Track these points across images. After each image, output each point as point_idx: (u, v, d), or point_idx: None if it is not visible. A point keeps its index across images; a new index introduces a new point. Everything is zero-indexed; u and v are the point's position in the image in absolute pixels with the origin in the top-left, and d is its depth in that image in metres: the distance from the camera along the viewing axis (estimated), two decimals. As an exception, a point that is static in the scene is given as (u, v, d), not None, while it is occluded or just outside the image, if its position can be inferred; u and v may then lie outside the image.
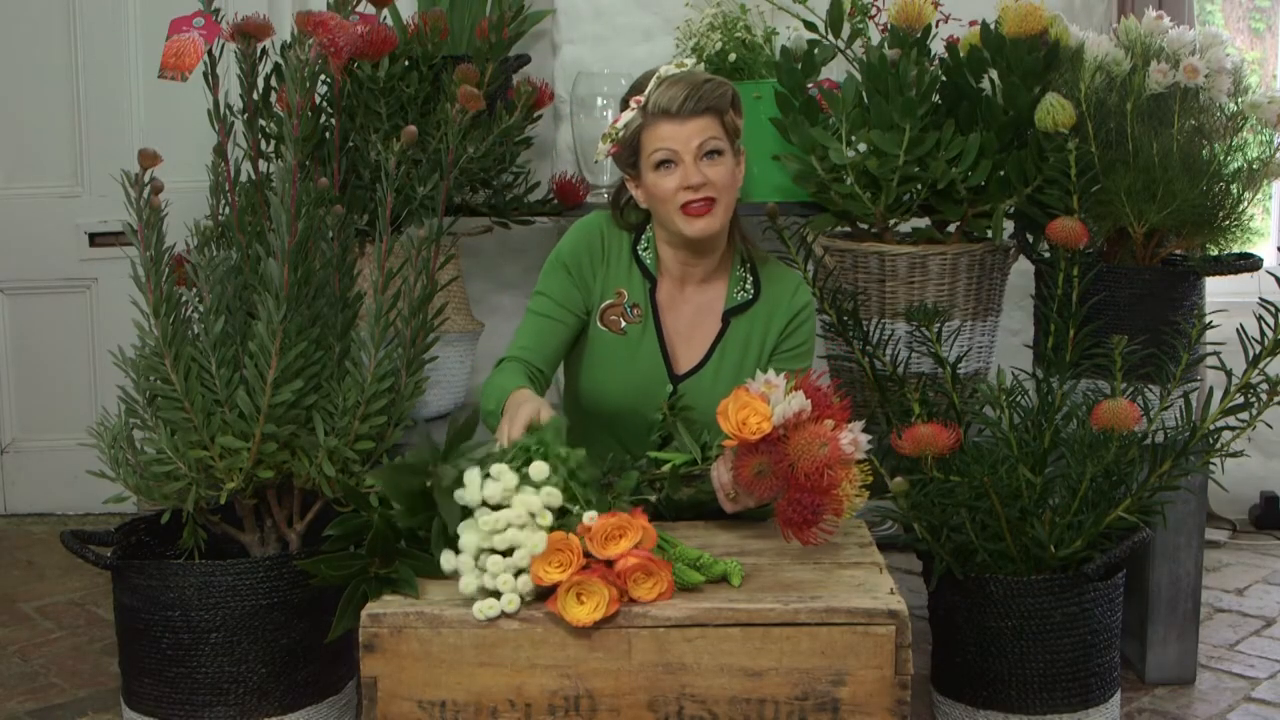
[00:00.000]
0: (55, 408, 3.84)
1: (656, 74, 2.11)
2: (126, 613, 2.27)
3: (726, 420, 1.80)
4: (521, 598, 1.65)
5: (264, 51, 2.51)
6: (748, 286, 2.22)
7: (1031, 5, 2.54)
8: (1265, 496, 3.73)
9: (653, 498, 1.96)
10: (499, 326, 3.31)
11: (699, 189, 2.06)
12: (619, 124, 2.10)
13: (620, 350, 2.18)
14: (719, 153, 2.07)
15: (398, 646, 1.64)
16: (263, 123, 2.70)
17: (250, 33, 2.41)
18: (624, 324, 2.19)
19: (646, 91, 2.09)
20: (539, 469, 1.71)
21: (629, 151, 2.12)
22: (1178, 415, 2.30)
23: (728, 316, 2.21)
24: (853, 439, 1.79)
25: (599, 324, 2.20)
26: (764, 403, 1.79)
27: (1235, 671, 2.73)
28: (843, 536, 1.96)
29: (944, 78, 2.64)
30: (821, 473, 1.75)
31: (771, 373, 1.84)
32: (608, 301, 2.21)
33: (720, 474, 1.91)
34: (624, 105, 2.13)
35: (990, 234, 2.65)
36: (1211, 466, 2.32)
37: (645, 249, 2.21)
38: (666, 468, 1.97)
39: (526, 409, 1.88)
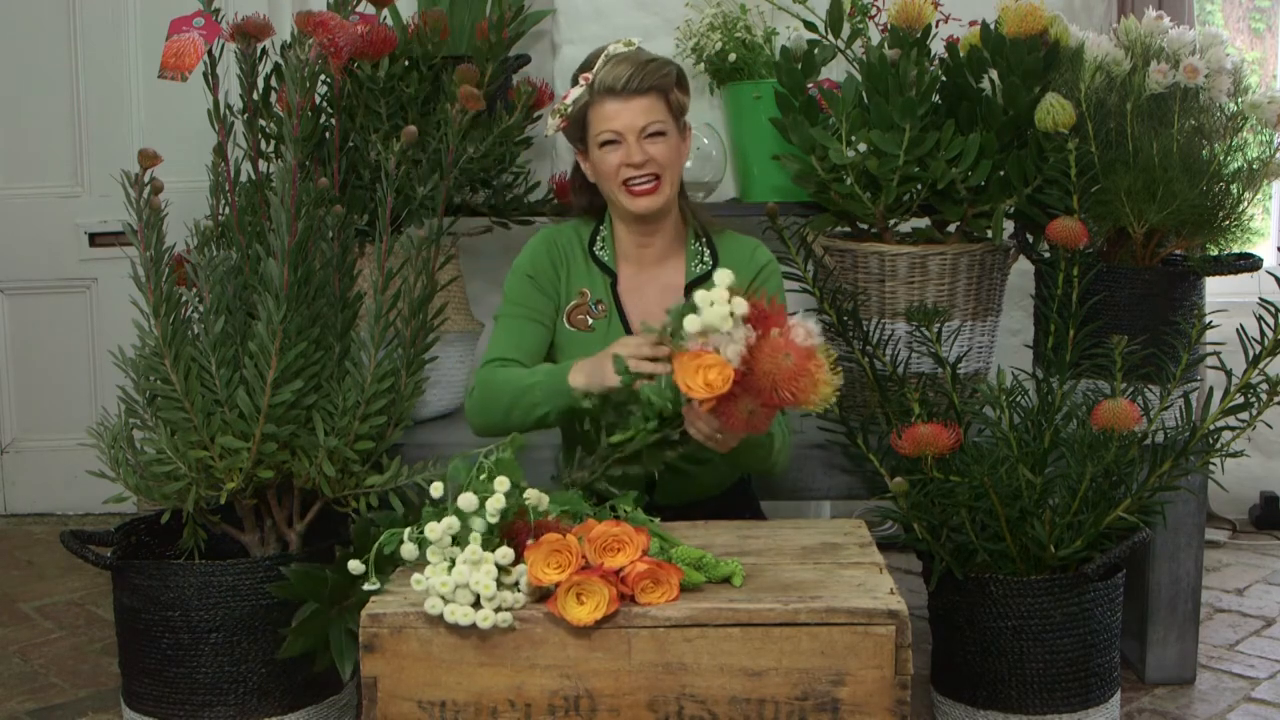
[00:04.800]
0: (55, 408, 3.84)
1: (604, 52, 2.15)
2: (126, 613, 2.27)
3: (691, 388, 1.77)
4: (504, 599, 1.64)
5: (264, 51, 2.51)
6: (705, 258, 2.26)
7: (1031, 5, 2.54)
8: (1265, 496, 3.73)
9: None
10: (499, 326, 3.31)
11: (641, 166, 2.12)
12: (568, 100, 2.16)
13: (591, 346, 2.20)
14: (662, 133, 2.13)
15: (398, 646, 1.64)
16: (263, 123, 2.70)
17: (250, 33, 2.41)
18: (590, 320, 2.23)
19: (594, 69, 2.13)
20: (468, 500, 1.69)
21: (577, 127, 2.18)
22: (1178, 415, 2.30)
23: (688, 289, 2.23)
24: (804, 331, 1.77)
25: (567, 325, 2.25)
26: (713, 353, 1.76)
27: (1235, 671, 2.73)
28: (843, 536, 1.96)
29: (944, 78, 2.64)
30: (798, 378, 1.74)
31: (690, 323, 1.78)
32: (573, 302, 2.25)
33: (700, 427, 1.87)
34: (574, 82, 2.18)
35: (990, 234, 2.64)
36: (1211, 466, 2.32)
37: (601, 247, 2.25)
38: (634, 441, 1.93)
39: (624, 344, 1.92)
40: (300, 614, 1.98)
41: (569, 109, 2.17)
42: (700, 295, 1.76)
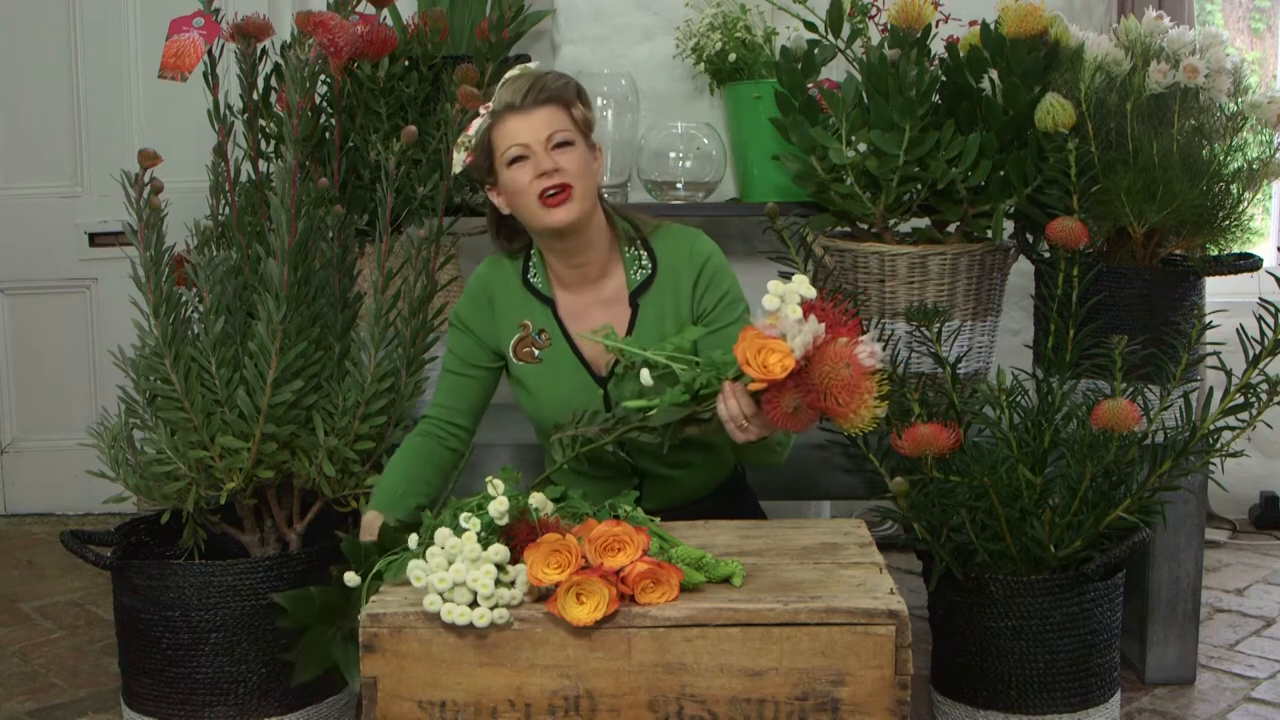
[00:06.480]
0: (55, 408, 3.85)
1: (501, 80, 2.13)
2: (126, 613, 2.28)
3: (749, 365, 1.78)
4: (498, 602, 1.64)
5: (264, 51, 2.51)
6: (644, 262, 2.18)
7: (1031, 5, 2.54)
8: (1265, 496, 3.73)
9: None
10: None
11: (552, 175, 2.05)
12: (470, 132, 2.11)
13: (542, 377, 2.17)
14: (569, 143, 2.06)
15: (398, 646, 1.64)
16: (263, 123, 2.70)
17: (250, 33, 2.41)
18: (537, 352, 2.18)
19: (493, 98, 2.11)
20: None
21: (483, 155, 2.11)
22: (1178, 415, 2.30)
23: (634, 300, 2.18)
24: (869, 350, 1.79)
25: (515, 360, 2.19)
26: (780, 339, 1.78)
27: (1235, 671, 2.73)
28: (843, 536, 1.96)
29: (944, 78, 2.64)
30: (852, 391, 1.76)
31: (770, 301, 1.80)
32: (516, 337, 2.19)
33: (730, 406, 1.87)
34: (472, 117, 2.14)
35: (990, 234, 2.65)
36: (1211, 466, 2.32)
37: (534, 275, 2.19)
38: (656, 410, 1.94)
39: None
40: (306, 638, 1.95)
41: (472, 140, 2.11)
42: (774, 285, 1.78)
